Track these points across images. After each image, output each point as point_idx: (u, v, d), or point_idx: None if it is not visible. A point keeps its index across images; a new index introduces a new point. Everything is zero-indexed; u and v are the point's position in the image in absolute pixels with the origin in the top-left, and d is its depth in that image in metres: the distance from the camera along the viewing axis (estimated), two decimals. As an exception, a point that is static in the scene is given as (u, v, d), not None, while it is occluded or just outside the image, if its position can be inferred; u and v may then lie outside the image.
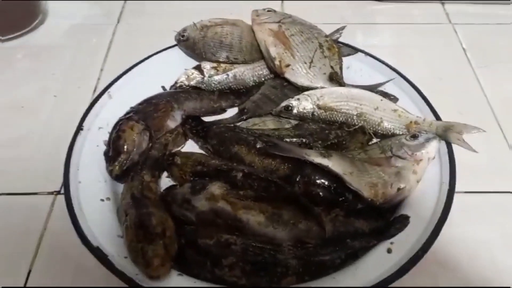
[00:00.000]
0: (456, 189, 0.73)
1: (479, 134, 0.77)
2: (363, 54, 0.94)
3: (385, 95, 0.86)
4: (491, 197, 0.78)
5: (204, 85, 0.93)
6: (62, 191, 0.73)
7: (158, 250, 0.61)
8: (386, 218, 0.72)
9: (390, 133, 0.82)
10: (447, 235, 0.71)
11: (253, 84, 0.94)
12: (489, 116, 0.92)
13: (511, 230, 0.74)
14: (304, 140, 0.79)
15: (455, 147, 0.77)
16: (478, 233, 0.73)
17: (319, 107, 0.83)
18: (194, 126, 0.85)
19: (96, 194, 0.73)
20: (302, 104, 0.83)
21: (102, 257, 0.63)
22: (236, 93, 0.94)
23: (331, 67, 0.89)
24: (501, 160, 0.84)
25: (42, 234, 0.73)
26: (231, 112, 0.92)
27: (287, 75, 0.89)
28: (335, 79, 0.87)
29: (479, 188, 0.79)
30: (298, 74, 0.88)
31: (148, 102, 0.85)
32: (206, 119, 0.89)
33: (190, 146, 0.85)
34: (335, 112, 0.83)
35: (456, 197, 0.72)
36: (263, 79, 0.94)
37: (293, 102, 0.84)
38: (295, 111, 0.83)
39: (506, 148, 0.86)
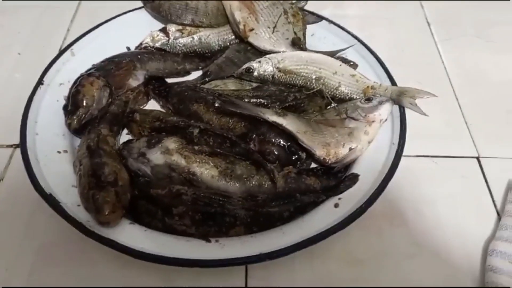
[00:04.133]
0: (408, 153, 0.76)
1: (437, 104, 0.79)
2: (327, 22, 0.96)
3: (345, 61, 0.88)
4: (440, 160, 0.81)
5: (169, 47, 0.93)
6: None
7: (109, 197, 0.62)
8: (338, 177, 0.74)
9: (347, 98, 0.84)
10: (395, 194, 0.75)
11: (218, 48, 0.95)
12: (446, 86, 0.95)
13: (456, 192, 0.77)
14: (262, 101, 0.81)
15: (410, 113, 0.79)
16: (425, 193, 0.76)
17: (279, 70, 0.84)
18: (156, 86, 0.86)
19: (53, 146, 0.74)
20: (263, 67, 0.85)
21: (55, 204, 0.64)
22: (201, 56, 0.95)
23: (294, 32, 0.90)
24: (453, 127, 0.87)
25: (-2, 185, 0.74)
26: (196, 75, 0.93)
27: (250, 39, 0.90)
28: (297, 44, 0.89)
29: (430, 152, 0.82)
30: (261, 38, 0.89)
31: (110, 60, 0.86)
32: (170, 81, 0.89)
33: (152, 107, 0.86)
34: (295, 76, 0.84)
35: (406, 160, 0.76)
36: (228, 43, 0.95)
37: (254, 64, 0.85)
38: (255, 73, 0.85)
39: (460, 117, 0.89)
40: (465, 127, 0.87)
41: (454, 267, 0.68)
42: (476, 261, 0.68)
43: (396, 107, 0.79)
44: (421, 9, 1.14)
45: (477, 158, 0.82)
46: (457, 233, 0.71)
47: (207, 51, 0.95)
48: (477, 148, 0.83)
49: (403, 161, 0.76)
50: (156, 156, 0.71)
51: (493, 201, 0.76)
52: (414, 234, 0.71)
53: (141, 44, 0.93)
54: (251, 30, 0.89)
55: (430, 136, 0.84)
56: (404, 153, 0.79)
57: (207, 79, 0.88)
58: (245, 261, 0.61)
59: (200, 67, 0.93)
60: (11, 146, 0.79)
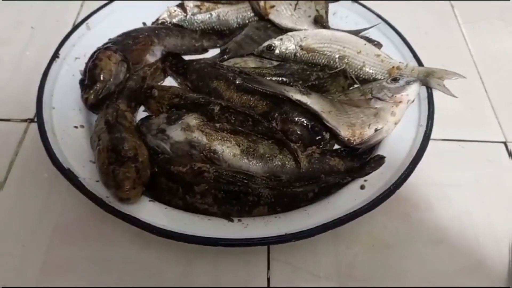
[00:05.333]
0: (434, 136, 0.73)
1: (463, 87, 0.77)
2: (350, 1, 0.92)
3: (369, 40, 0.85)
4: (467, 145, 0.79)
5: (187, 23, 0.90)
6: (36, 120, 0.71)
7: (130, 173, 0.60)
8: (362, 158, 0.72)
9: (371, 78, 0.81)
10: (421, 178, 0.72)
11: (237, 26, 0.92)
12: (471, 70, 0.92)
13: (483, 177, 0.74)
14: (284, 79, 0.78)
15: (436, 96, 0.76)
16: (451, 178, 0.74)
17: (301, 48, 0.82)
18: (174, 63, 0.84)
19: (70, 121, 0.72)
20: (285, 45, 0.82)
21: (73, 178, 0.62)
22: (219, 34, 0.92)
23: (317, 10, 0.87)
24: (480, 111, 0.84)
25: (13, 160, 0.72)
26: (213, 53, 0.90)
27: (271, 17, 0.87)
28: (320, 22, 0.86)
29: (456, 136, 0.80)
30: (282, 15, 0.87)
31: (127, 35, 0.83)
32: (187, 58, 0.87)
33: (170, 84, 0.84)
34: (318, 54, 0.82)
35: (433, 144, 0.73)
36: (247, 21, 0.92)
37: (276, 42, 0.82)
38: (277, 51, 0.82)
39: (486, 100, 0.86)
40: (491, 111, 0.85)
41: (482, 255, 0.66)
42: (504, 249, 0.66)
43: (423, 88, 0.77)
44: (444, -11, 1.11)
45: (504, 143, 0.80)
46: (484, 219, 0.69)
47: (225, 28, 0.92)
48: (504, 132, 0.81)
49: (429, 144, 0.74)
50: (177, 133, 0.68)
51: (523, 186, 0.73)
52: (440, 219, 0.69)
53: (157, 19, 0.90)
54: (272, 7, 0.87)
55: (456, 119, 0.82)
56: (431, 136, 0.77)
57: (225, 56, 0.85)
58: (269, 241, 0.59)
59: (218, 45, 0.90)
60: (25, 120, 0.77)
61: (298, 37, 0.82)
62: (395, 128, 0.73)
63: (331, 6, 0.92)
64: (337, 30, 0.86)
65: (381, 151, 0.71)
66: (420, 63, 0.81)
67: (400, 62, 0.81)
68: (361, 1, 0.93)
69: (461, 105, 0.83)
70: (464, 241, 0.67)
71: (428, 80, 0.76)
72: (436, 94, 0.77)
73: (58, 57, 0.78)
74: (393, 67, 0.80)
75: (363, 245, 0.66)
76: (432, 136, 0.76)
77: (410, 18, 1.03)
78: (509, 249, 0.66)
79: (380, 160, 0.69)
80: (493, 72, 0.91)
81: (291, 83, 0.78)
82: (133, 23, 0.89)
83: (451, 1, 1.08)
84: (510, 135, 0.80)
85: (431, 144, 0.74)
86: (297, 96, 0.72)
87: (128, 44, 0.80)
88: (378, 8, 0.94)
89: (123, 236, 0.64)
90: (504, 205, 0.71)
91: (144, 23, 0.91)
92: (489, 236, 0.67)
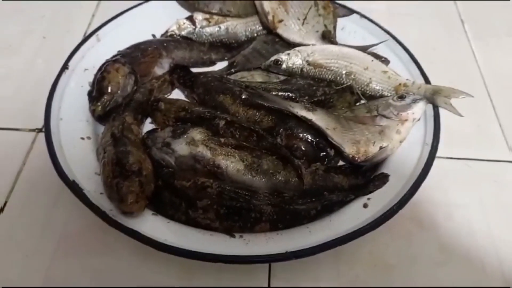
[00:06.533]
0: (439, 154, 0.73)
1: (470, 105, 0.76)
2: (358, 16, 0.93)
3: (377, 57, 0.85)
4: (473, 164, 0.78)
5: (195, 36, 0.91)
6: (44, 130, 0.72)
7: (133, 186, 0.61)
8: (366, 176, 0.71)
9: (378, 94, 0.81)
10: (425, 197, 0.72)
11: (245, 39, 0.93)
12: (480, 87, 0.91)
13: (488, 197, 0.74)
14: (290, 94, 0.79)
15: (443, 114, 0.76)
16: (456, 197, 0.74)
17: (308, 63, 0.82)
18: (181, 76, 0.84)
19: (77, 132, 0.73)
20: (292, 59, 0.82)
21: (78, 190, 0.63)
22: (227, 47, 0.93)
23: (325, 25, 0.88)
24: (487, 130, 0.84)
25: (21, 169, 0.73)
26: (221, 65, 0.90)
27: (279, 31, 0.87)
28: (328, 37, 0.86)
29: (462, 155, 0.79)
30: (290, 30, 0.87)
31: (136, 47, 0.84)
32: (196, 70, 0.87)
33: (177, 97, 0.84)
34: (324, 70, 0.82)
35: (438, 162, 0.72)
36: (255, 34, 0.93)
37: (283, 56, 0.82)
38: (284, 66, 0.82)
39: (494, 119, 0.85)
40: (499, 130, 0.84)
41: (487, 276, 0.65)
42: (508, 270, 0.65)
43: (430, 106, 0.76)
44: (454, 6, 1.10)
45: (512, 162, 0.79)
46: (489, 240, 0.69)
47: (233, 41, 0.93)
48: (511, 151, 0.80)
49: (434, 162, 0.74)
50: (181, 147, 0.69)
51: (529, 208, 0.73)
52: (444, 239, 0.68)
53: (166, 31, 0.91)
54: (280, 21, 0.87)
55: (463, 138, 0.81)
56: (437, 154, 0.76)
57: (233, 70, 0.86)
58: (270, 259, 0.60)
59: (226, 58, 0.91)
60: (34, 130, 0.78)
61: (305, 52, 0.82)
62: (400, 146, 0.73)
63: (340, 21, 0.92)
64: (345, 45, 0.86)
65: (385, 169, 0.71)
66: (427, 81, 0.81)
67: (407, 79, 0.81)
68: (370, 17, 0.93)
69: (468, 122, 0.83)
70: (468, 263, 0.66)
71: (434, 98, 0.76)
72: (443, 111, 0.76)
73: (67, 68, 0.79)
74: (400, 84, 0.80)
75: (365, 265, 0.66)
76: (438, 154, 0.76)
77: (418, 33, 1.02)
78: (514, 272, 0.65)
79: (384, 178, 0.69)
80: (502, 89, 0.90)
81: (297, 98, 0.78)
82: (142, 35, 0.89)
83: (462, 17, 1.07)
84: (518, 154, 0.80)
85: (436, 162, 0.74)
86: (302, 112, 0.72)
87: (136, 57, 0.81)
88: (387, 23, 0.94)
89: (125, 249, 0.65)
90: (508, 227, 0.70)
91: (153, 35, 0.92)
92: (493, 258, 0.66)
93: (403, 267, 0.65)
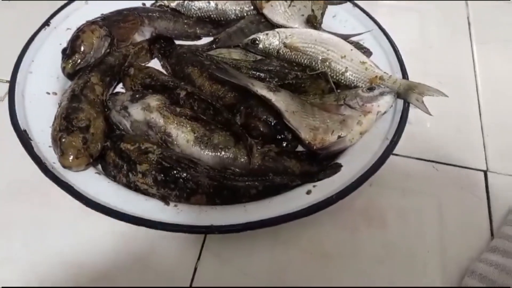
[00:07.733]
0: (409, 154, 0.71)
1: (455, 107, 0.73)
2: (351, 5, 0.90)
3: (359, 47, 0.82)
4: (442, 168, 0.74)
5: (184, 9, 0.91)
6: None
7: (76, 142, 0.62)
8: (322, 165, 0.69)
9: (353, 85, 0.79)
10: (383, 195, 0.71)
11: (234, 17, 0.92)
12: (471, 91, 0.86)
13: (450, 204, 0.69)
14: (261, 74, 0.78)
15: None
16: (415, 199, 0.70)
17: (285, 46, 0.80)
18: (163, 46, 0.84)
19: (44, 86, 0.74)
20: (269, 40, 0.81)
21: (25, 140, 0.64)
22: (215, 23, 0.92)
23: (312, 10, 0.86)
24: (467, 135, 0.79)
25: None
26: (206, 40, 0.90)
27: (265, 11, 0.86)
28: (312, 22, 0.84)
29: (432, 157, 0.75)
30: (275, 11, 0.85)
31: (119, 12, 0.85)
32: (180, 43, 0.87)
33: (155, 66, 0.84)
34: (300, 54, 0.80)
35: (405, 161, 0.73)
36: (245, 14, 0.92)
37: (261, 36, 0.81)
38: (261, 45, 0.81)
39: (477, 125, 0.81)
40: (480, 136, 0.79)
41: (425, 281, 0.62)
42: (451, 280, 0.62)
43: (401, 102, 0.73)
44: (464, 7, 1.05)
45: (485, 172, 0.74)
46: (439, 246, 0.65)
47: (222, 18, 0.92)
48: (487, 161, 0.76)
49: (401, 161, 0.72)
50: (137, 111, 0.69)
51: (490, 220, 0.68)
52: (390, 238, 0.66)
53: (156, 1, 0.92)
54: (268, 1, 0.86)
55: (439, 139, 0.78)
56: (405, 153, 0.75)
57: (214, 46, 0.85)
58: (191, 230, 0.59)
59: (211, 34, 0.90)
60: (7, 82, 0.80)
61: (284, 34, 0.81)
62: (361, 139, 0.70)
63: (332, 8, 0.90)
64: (326, 31, 0.83)
65: (341, 160, 0.69)
66: (405, 76, 0.77)
67: (384, 72, 0.78)
68: (372, 10, 0.90)
69: (448, 125, 0.79)
70: (410, 265, 0.63)
71: (407, 94, 0.73)
72: (431, 111, 0.73)
73: (48, 25, 0.81)
74: (376, 76, 0.77)
75: (301, 250, 0.64)
76: (407, 153, 0.74)
77: (417, 29, 0.98)
78: (457, 282, 0.62)
79: (337, 168, 0.67)
80: (494, 97, 0.85)
81: (267, 79, 0.77)
82: (132, 3, 0.90)
83: (470, 19, 1.02)
84: (493, 165, 0.75)
85: (403, 161, 0.72)
86: (262, 92, 0.70)
87: (117, 21, 0.82)
88: (386, 14, 0.91)
89: (68, 203, 0.65)
90: (465, 237, 0.66)
91: (143, 4, 0.92)
92: (438, 264, 0.63)
93: (340, 259, 0.63)
